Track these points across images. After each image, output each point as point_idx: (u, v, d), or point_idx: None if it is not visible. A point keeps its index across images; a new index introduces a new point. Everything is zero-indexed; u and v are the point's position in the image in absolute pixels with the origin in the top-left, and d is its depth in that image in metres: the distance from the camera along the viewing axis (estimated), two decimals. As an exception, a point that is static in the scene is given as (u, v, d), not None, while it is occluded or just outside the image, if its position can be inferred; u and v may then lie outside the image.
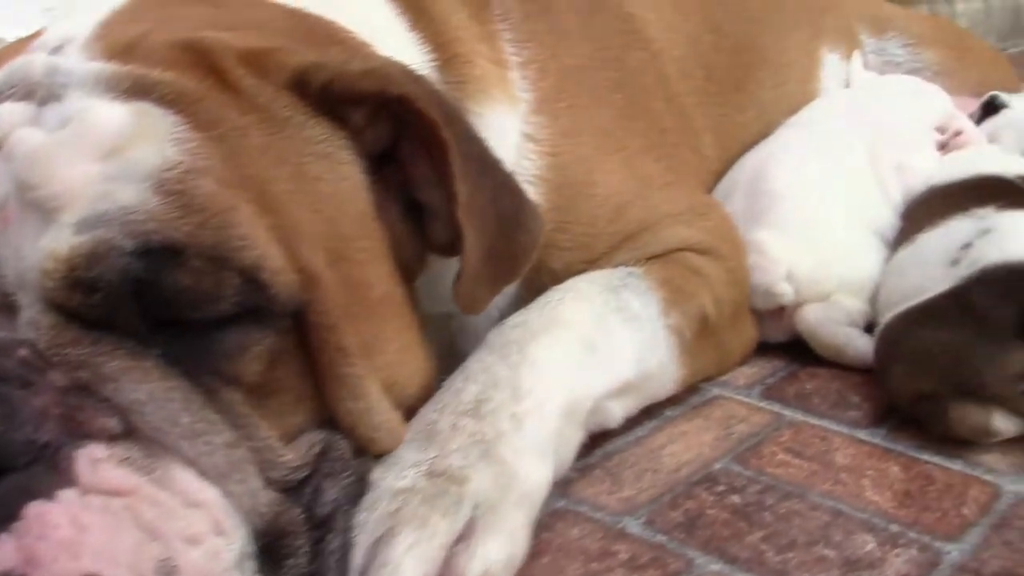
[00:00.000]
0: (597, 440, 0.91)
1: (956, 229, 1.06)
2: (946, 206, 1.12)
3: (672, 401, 1.01)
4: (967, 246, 1.02)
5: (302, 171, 0.69)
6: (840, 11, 1.51)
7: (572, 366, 0.84)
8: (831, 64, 1.42)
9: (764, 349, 1.13)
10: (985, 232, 1.02)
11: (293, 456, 0.66)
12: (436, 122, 0.72)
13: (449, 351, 0.89)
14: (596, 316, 0.89)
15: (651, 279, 0.95)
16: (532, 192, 0.93)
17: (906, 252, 1.10)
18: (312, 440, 0.68)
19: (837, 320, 1.09)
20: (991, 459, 0.91)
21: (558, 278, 0.94)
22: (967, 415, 0.91)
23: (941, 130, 1.34)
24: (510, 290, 0.94)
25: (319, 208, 0.69)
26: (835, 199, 1.15)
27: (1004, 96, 1.47)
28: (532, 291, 0.93)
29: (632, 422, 0.95)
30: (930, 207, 1.15)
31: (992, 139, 1.40)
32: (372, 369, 0.70)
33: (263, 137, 0.67)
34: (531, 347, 0.83)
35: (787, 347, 1.13)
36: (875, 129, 1.26)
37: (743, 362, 1.11)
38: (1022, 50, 3.26)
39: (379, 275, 0.73)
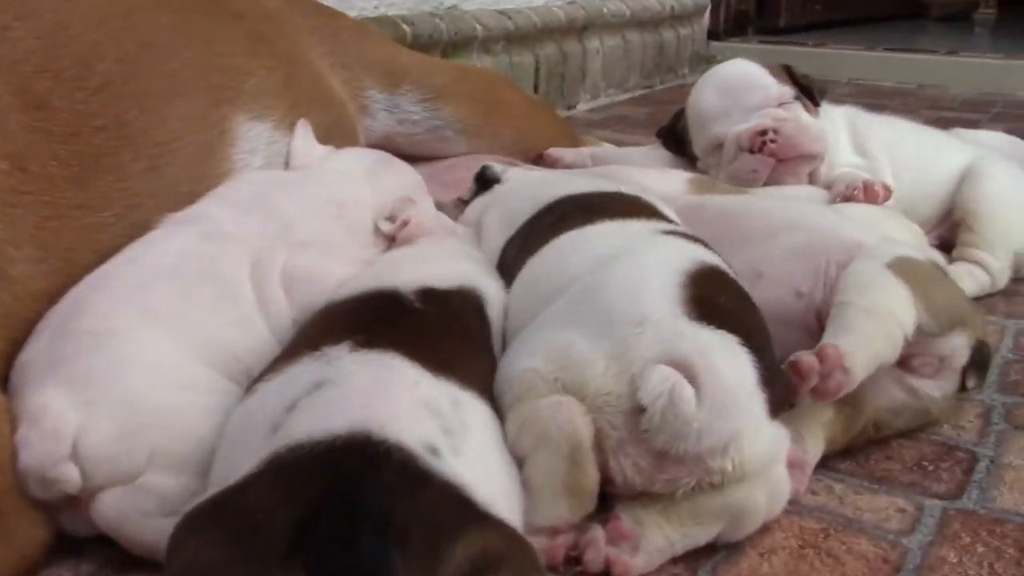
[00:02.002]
0: None
1: (296, 378, 0.78)
2: (312, 338, 0.85)
3: None
4: (293, 407, 0.75)
5: None
6: (273, 71, 1.20)
7: None
8: (254, 137, 1.13)
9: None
10: (316, 387, 0.75)
11: None
12: None
13: None
14: None
15: None
16: None
17: (240, 409, 0.82)
18: None
19: (146, 510, 0.79)
20: None
21: None
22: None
23: (392, 219, 1.09)
24: None
25: None
26: (171, 334, 0.85)
27: (498, 167, 1.24)
28: None
29: None
30: (300, 338, 0.88)
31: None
32: None
33: None
34: None
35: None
36: (274, 224, 0.99)
37: (29, 570, 0.80)
38: (668, 87, 3.19)
39: None
